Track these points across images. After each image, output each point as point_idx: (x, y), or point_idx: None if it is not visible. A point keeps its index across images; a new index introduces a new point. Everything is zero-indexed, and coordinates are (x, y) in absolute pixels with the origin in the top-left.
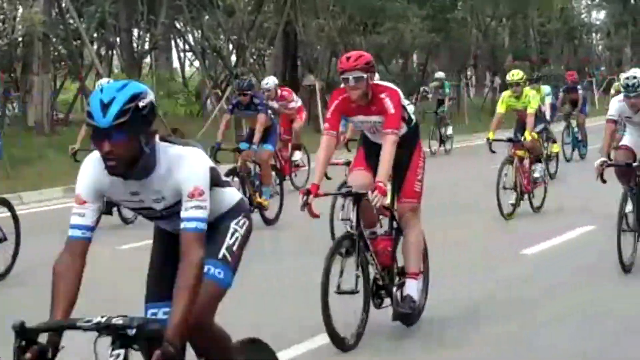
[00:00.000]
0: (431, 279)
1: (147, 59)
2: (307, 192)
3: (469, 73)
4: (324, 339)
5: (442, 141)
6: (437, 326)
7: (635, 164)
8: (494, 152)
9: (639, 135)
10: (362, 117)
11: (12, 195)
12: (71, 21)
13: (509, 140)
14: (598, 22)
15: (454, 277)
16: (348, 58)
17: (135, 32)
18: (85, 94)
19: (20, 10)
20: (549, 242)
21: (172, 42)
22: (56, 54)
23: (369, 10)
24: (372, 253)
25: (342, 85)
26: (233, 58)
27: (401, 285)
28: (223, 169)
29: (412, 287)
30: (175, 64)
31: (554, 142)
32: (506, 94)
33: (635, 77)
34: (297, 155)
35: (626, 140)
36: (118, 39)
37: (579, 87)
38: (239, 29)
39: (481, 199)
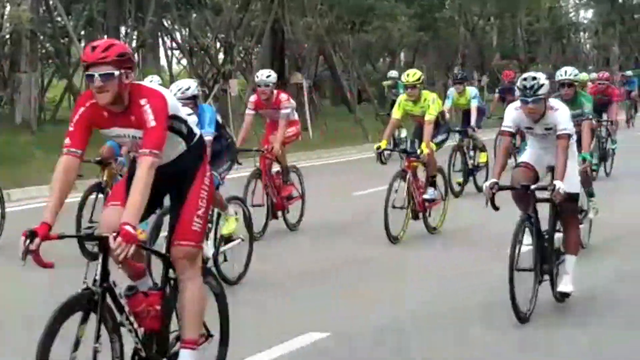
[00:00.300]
0: (412, 282)
1: (135, 57)
2: (31, 235)
3: (456, 71)
4: (303, 341)
5: (395, 144)
6: (415, 331)
7: (533, 187)
8: (384, 163)
9: (540, 147)
10: (119, 129)
11: None
12: (59, 19)
13: (403, 151)
14: (586, 21)
15: (426, 281)
16: (94, 48)
17: (123, 30)
18: (72, 93)
19: (8, 7)
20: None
21: (160, 40)
22: (44, 51)
23: (356, 8)
24: (128, 315)
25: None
26: (221, 56)
27: (174, 357)
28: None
29: None
30: (163, 61)
31: (482, 150)
32: (403, 97)
33: (534, 78)
34: None
35: (526, 155)
36: (106, 37)
37: (515, 87)
38: (227, 27)
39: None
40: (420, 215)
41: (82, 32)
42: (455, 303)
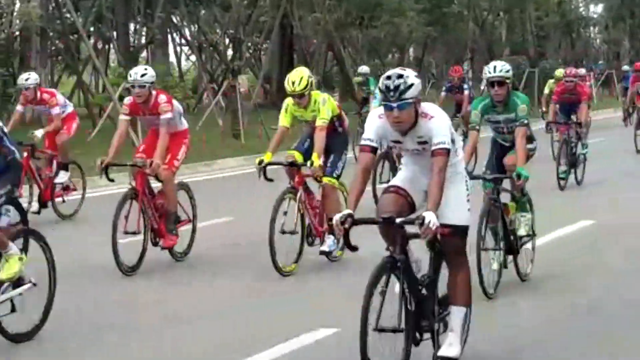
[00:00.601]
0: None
1: (144, 53)
2: None
3: (465, 67)
4: (299, 342)
5: None
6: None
7: (398, 220)
8: (270, 180)
9: (414, 163)
10: None
11: None
12: (68, 15)
13: (290, 164)
14: (596, 16)
15: None
16: None
17: (132, 26)
18: (82, 89)
19: (18, 4)
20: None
21: (169, 37)
22: (53, 48)
23: (365, 4)
24: None
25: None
26: (229, 52)
27: None
28: None
29: None
30: (172, 58)
31: None
32: (290, 101)
33: (400, 76)
34: (62, 177)
35: (398, 178)
36: (115, 33)
37: (465, 85)
38: (236, 23)
39: None
40: (316, 240)
41: (91, 29)
42: None
